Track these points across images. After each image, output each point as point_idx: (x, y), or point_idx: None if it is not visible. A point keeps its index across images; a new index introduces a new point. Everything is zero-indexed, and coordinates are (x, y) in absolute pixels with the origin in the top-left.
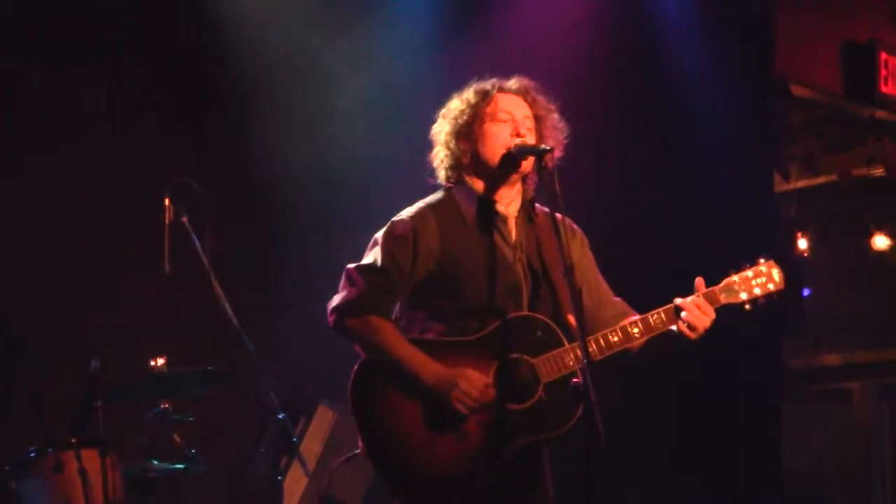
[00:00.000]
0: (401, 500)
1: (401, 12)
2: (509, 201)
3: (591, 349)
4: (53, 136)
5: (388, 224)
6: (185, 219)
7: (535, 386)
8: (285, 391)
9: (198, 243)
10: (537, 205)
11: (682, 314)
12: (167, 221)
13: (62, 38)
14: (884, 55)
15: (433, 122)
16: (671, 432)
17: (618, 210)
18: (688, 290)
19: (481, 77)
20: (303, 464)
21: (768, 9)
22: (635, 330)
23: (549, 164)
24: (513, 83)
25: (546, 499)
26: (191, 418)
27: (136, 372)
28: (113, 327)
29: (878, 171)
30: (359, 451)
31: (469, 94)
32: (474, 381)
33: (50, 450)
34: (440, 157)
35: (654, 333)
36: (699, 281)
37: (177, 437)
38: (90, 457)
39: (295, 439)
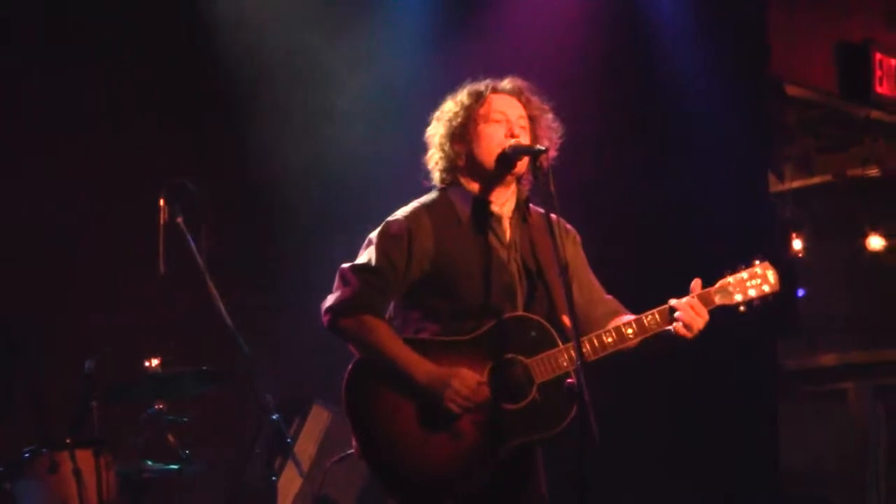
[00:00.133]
0: (395, 499)
1: (397, 12)
2: (504, 202)
3: (584, 350)
4: (53, 136)
5: (383, 224)
6: (180, 219)
7: (529, 386)
8: (280, 391)
9: (192, 244)
10: (531, 205)
11: (677, 315)
12: (162, 222)
13: (62, 38)
14: (878, 55)
15: (429, 122)
16: (667, 433)
17: (613, 210)
18: (683, 291)
19: (477, 77)
20: (297, 464)
21: (762, 9)
22: (629, 331)
23: (544, 164)
24: (506, 84)
25: (540, 498)
26: (185, 419)
27: (130, 372)
28: (108, 327)
29: (873, 172)
30: (352, 450)
31: (462, 95)
32: (467, 381)
33: (45, 450)
34: (435, 160)
35: (648, 334)
36: (695, 282)
37: (171, 438)
38: (85, 457)
39: (289, 440)
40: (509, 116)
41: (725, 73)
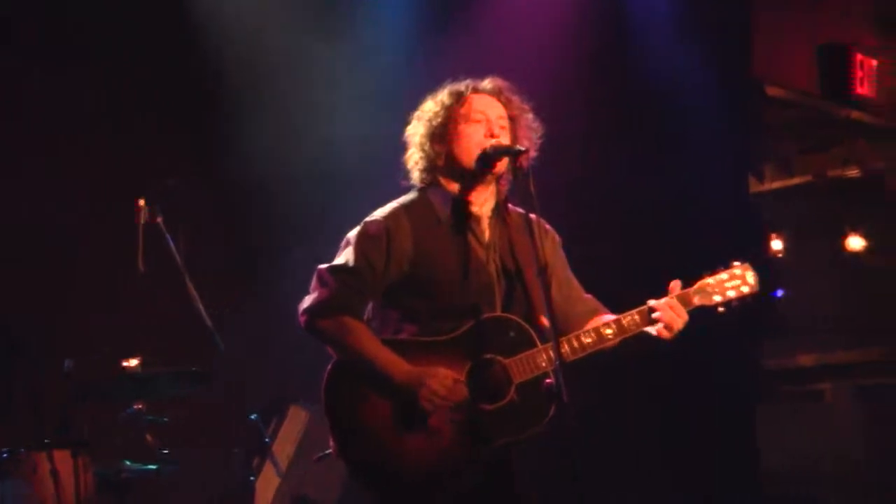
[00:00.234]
0: (373, 499)
1: (384, 9)
2: (483, 202)
3: (563, 350)
4: (53, 136)
5: (361, 224)
6: (159, 219)
7: (508, 386)
8: (259, 391)
9: (171, 243)
10: (510, 205)
11: (656, 315)
12: (142, 222)
13: (62, 38)
14: (859, 56)
15: (410, 121)
16: (646, 433)
17: (595, 209)
18: (662, 290)
19: (463, 75)
20: (275, 464)
21: (745, 10)
22: (608, 331)
23: (524, 164)
24: (486, 84)
25: (513, 497)
26: (164, 419)
27: (110, 372)
28: (85, 327)
29: (854, 172)
30: (331, 450)
31: (443, 95)
32: (444, 379)
33: (22, 450)
34: (414, 159)
35: (627, 335)
36: (674, 283)
37: (150, 438)
38: (62, 458)
39: (267, 440)
40: (489, 116)
41: (707, 74)
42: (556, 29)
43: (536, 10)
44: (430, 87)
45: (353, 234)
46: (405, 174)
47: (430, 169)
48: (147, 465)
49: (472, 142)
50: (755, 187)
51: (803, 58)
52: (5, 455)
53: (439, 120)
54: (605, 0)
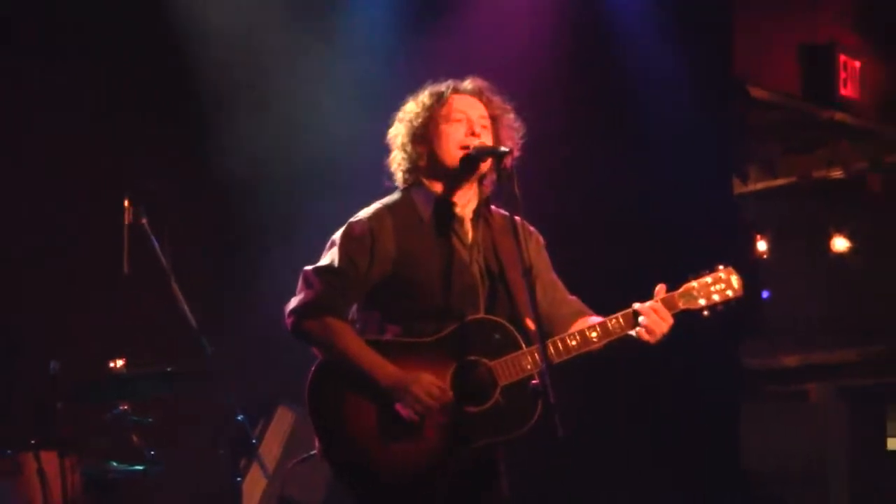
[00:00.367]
0: (358, 500)
1: (367, 8)
2: (466, 202)
3: (548, 353)
4: (54, 136)
5: (346, 225)
6: (144, 220)
7: (493, 388)
8: (245, 392)
9: (156, 244)
10: (493, 206)
11: (641, 319)
12: (127, 223)
13: (62, 38)
14: (843, 58)
15: (392, 123)
16: (630, 433)
17: (576, 210)
18: (645, 292)
19: (445, 75)
20: (262, 465)
21: (727, 11)
22: (593, 334)
23: (508, 165)
24: (467, 84)
25: (503, 499)
26: (150, 420)
27: (95, 373)
28: (70, 328)
29: (838, 174)
30: (315, 451)
31: (423, 96)
32: (428, 387)
33: (9, 451)
34: (397, 161)
35: (612, 338)
36: (659, 287)
37: (136, 439)
38: (49, 458)
39: (254, 440)
40: (470, 116)
41: (689, 75)
42: (537, 29)
43: (517, 10)
44: (412, 88)
45: (337, 235)
46: (389, 176)
47: (413, 170)
48: (133, 465)
49: (453, 141)
50: (739, 188)
51: (787, 59)
52: None
53: (420, 120)
54: (586, 1)
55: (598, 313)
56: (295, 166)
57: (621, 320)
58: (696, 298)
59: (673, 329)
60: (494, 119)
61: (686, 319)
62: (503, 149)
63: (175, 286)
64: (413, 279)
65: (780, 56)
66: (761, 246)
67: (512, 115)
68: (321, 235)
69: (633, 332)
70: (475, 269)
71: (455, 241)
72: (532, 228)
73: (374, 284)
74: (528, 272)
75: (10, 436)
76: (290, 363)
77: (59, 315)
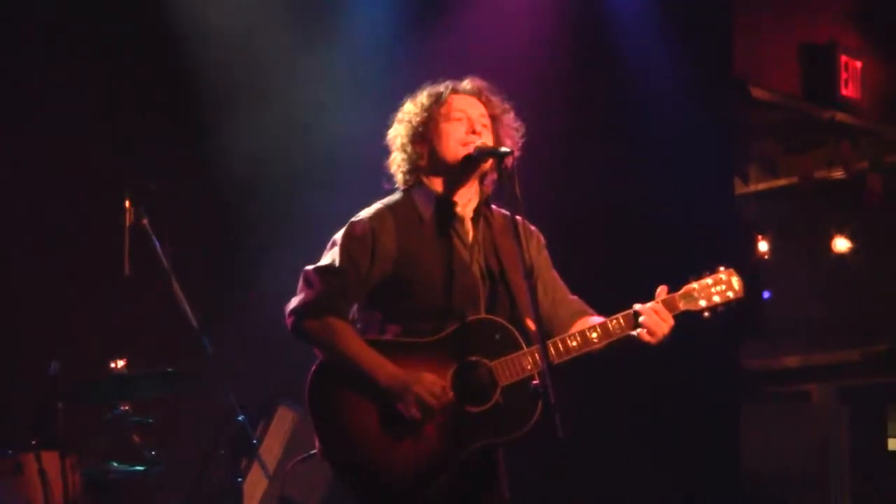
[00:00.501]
0: (358, 500)
1: (367, 7)
2: (467, 201)
3: (549, 353)
4: (54, 136)
5: (347, 225)
6: (145, 220)
7: (493, 389)
8: (246, 392)
9: (158, 245)
10: (494, 206)
11: (641, 320)
12: (127, 223)
13: (62, 38)
14: (844, 58)
15: (391, 124)
16: (630, 434)
17: (577, 209)
18: (646, 292)
19: (444, 74)
20: (263, 465)
21: (727, 10)
22: (594, 335)
23: (509, 165)
24: (466, 84)
25: (503, 500)
26: (150, 420)
27: (96, 374)
28: (71, 329)
29: (839, 174)
30: (315, 451)
31: (422, 97)
32: (430, 386)
33: (10, 452)
34: (397, 162)
35: (612, 339)
36: (660, 288)
37: (136, 439)
38: (50, 459)
39: (255, 441)
40: (470, 115)
41: (690, 75)
42: (537, 29)
43: (517, 10)
44: (412, 88)
45: (339, 234)
46: (389, 178)
47: (413, 170)
48: (134, 466)
49: (454, 139)
50: (740, 189)
51: (787, 59)
52: None
53: (419, 120)
54: (586, 1)
55: (599, 314)
56: (295, 166)
57: (622, 321)
58: (696, 300)
59: (673, 330)
60: (494, 118)
61: (687, 320)
62: (504, 149)
63: (176, 286)
64: (413, 279)
65: (780, 56)
66: (762, 246)
67: (511, 115)
68: (321, 235)
69: (633, 333)
70: (476, 268)
71: (455, 240)
72: (533, 228)
73: (375, 284)
74: (529, 273)
75: (11, 436)
76: (290, 363)
77: (60, 315)
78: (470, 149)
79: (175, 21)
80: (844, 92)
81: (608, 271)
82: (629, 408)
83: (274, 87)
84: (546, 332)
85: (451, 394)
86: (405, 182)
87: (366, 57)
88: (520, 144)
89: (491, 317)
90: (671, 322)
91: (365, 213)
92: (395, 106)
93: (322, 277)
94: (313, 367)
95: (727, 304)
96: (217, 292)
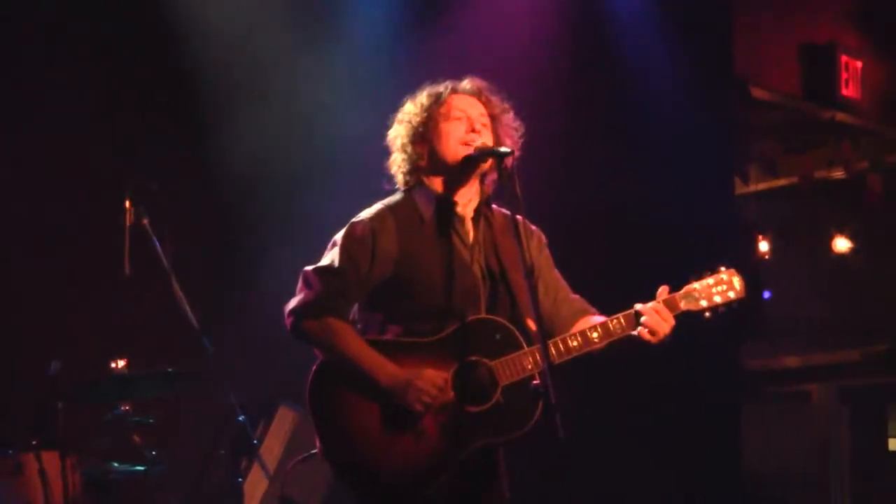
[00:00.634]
0: (359, 500)
1: (367, 7)
2: (467, 201)
3: (550, 353)
4: (54, 136)
5: (348, 225)
6: (145, 220)
7: (494, 388)
8: (246, 392)
9: (158, 245)
10: (494, 206)
11: (643, 320)
12: (128, 223)
13: (62, 38)
14: (844, 58)
15: (391, 125)
16: (631, 434)
17: (578, 209)
18: (646, 292)
19: (444, 75)
20: (263, 466)
21: (728, 10)
22: (595, 335)
23: (509, 165)
24: (465, 84)
25: (503, 500)
26: (151, 420)
27: (97, 374)
28: (71, 329)
29: (839, 174)
30: (316, 451)
31: (422, 97)
32: (432, 380)
33: (10, 452)
34: (398, 163)
35: (613, 339)
36: (662, 288)
37: (137, 439)
38: (50, 459)
39: (255, 441)
40: (470, 114)
41: (690, 75)
42: (537, 29)
43: (517, 10)
44: (412, 88)
45: (339, 235)
46: (389, 179)
47: (414, 170)
48: (134, 466)
49: (454, 138)
50: (740, 189)
51: (788, 59)
52: None
53: (419, 120)
54: (586, 1)
55: (599, 311)
56: (295, 166)
57: (623, 321)
58: (697, 300)
59: (674, 330)
60: (494, 118)
61: (687, 320)
62: (505, 149)
63: (176, 286)
64: (414, 279)
65: (780, 56)
66: (762, 246)
67: (511, 115)
68: (321, 235)
69: (634, 333)
70: (476, 268)
71: (456, 240)
72: (534, 227)
73: (375, 285)
74: (530, 273)
75: (12, 436)
76: (290, 363)
77: (60, 315)
78: (470, 149)
79: (175, 21)
80: (845, 92)
81: (608, 271)
82: (630, 408)
83: (274, 87)
84: (547, 332)
85: (451, 393)
86: (406, 183)
87: (366, 57)
88: (519, 144)
89: (491, 316)
90: (672, 322)
91: (366, 213)
92: (395, 106)
93: (322, 278)
94: (314, 367)
95: (728, 304)
96: (217, 292)
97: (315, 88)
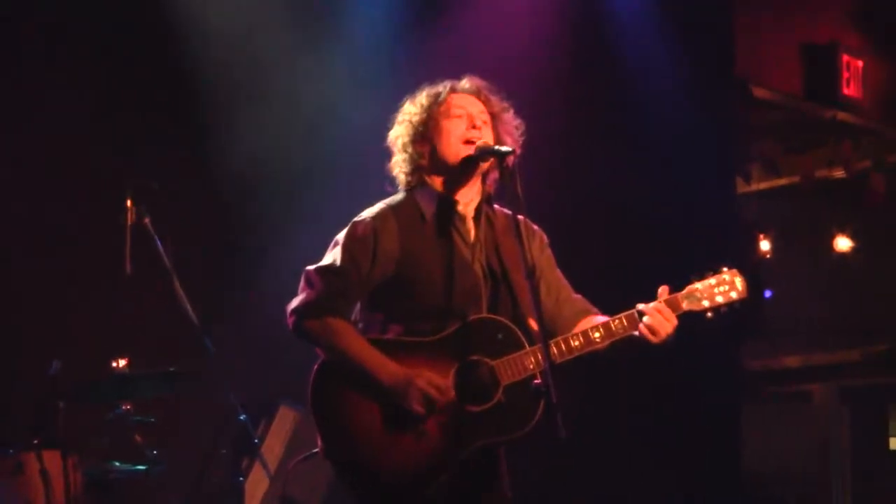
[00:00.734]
0: (359, 500)
1: (367, 6)
2: (469, 200)
3: (551, 353)
4: (54, 136)
5: (350, 225)
6: (146, 220)
7: (495, 388)
8: (247, 392)
9: (159, 244)
10: (496, 205)
11: (644, 320)
12: (129, 223)
13: (62, 38)
14: (845, 57)
15: (391, 125)
16: (631, 434)
17: (578, 209)
18: (647, 292)
19: (442, 77)
20: (264, 465)
21: (727, 10)
22: (596, 335)
23: (511, 164)
24: (465, 83)
25: (504, 499)
26: (152, 419)
27: (97, 373)
28: (72, 328)
29: (840, 173)
30: (317, 450)
31: (421, 97)
32: (433, 381)
33: (11, 451)
34: (399, 163)
35: (615, 339)
36: (663, 288)
37: (138, 439)
38: (51, 458)
39: (256, 440)
40: (470, 111)
41: (690, 75)
42: (537, 29)
43: (517, 10)
44: (412, 88)
45: (341, 234)
46: (391, 181)
47: (415, 170)
48: (135, 465)
49: (455, 136)
50: (742, 188)
51: (788, 59)
52: None
53: (419, 119)
54: (587, 0)
55: (600, 311)
56: (295, 166)
57: (625, 321)
58: (700, 300)
59: (676, 330)
60: (493, 116)
61: (688, 320)
62: (506, 148)
63: (177, 286)
64: (415, 279)
65: (781, 56)
66: (763, 246)
67: (511, 114)
68: (322, 235)
69: (636, 333)
70: (477, 268)
71: (457, 239)
72: (535, 227)
73: (377, 285)
74: (531, 273)
75: (12, 435)
76: (291, 363)
77: (60, 315)
78: (471, 149)
79: (175, 21)
80: (846, 91)
81: (608, 271)
82: (631, 407)
83: (274, 87)
84: (549, 332)
85: (452, 393)
86: (408, 183)
87: (366, 57)
88: (520, 143)
89: (493, 316)
90: (674, 322)
91: (368, 213)
92: (396, 106)
93: (323, 277)
94: (316, 367)
95: (730, 304)
96: (217, 292)
97: (315, 88)
